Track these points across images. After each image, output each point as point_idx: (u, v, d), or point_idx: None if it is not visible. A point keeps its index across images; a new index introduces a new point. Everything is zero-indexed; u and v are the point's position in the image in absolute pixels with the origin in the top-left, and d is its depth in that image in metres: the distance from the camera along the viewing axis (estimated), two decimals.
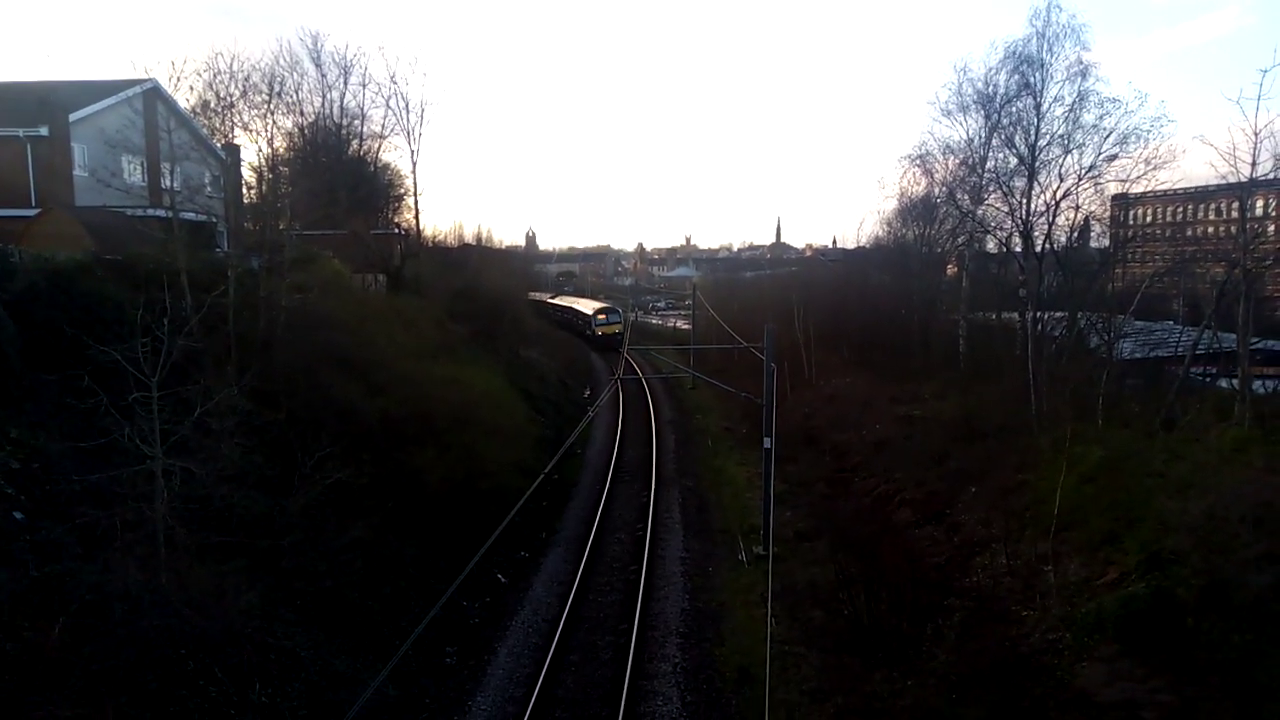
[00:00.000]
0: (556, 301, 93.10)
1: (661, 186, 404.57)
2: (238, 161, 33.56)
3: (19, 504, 14.36)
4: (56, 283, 19.62)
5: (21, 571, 12.71)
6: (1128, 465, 20.61)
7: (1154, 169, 28.71)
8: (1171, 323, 37.54)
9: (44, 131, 31.11)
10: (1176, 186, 36.36)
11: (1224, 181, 24.39)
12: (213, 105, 29.80)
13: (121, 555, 13.59)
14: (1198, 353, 28.48)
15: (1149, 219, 46.44)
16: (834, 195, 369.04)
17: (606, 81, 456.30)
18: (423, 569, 20.91)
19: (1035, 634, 16.97)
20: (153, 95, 33.19)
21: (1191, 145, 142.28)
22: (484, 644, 19.38)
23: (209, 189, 30.60)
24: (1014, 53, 31.61)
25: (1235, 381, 25.45)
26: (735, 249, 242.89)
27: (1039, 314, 30.95)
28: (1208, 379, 30.70)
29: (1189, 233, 49.59)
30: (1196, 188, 42.28)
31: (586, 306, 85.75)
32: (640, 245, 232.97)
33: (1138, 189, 31.33)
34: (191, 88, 35.48)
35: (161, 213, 26.72)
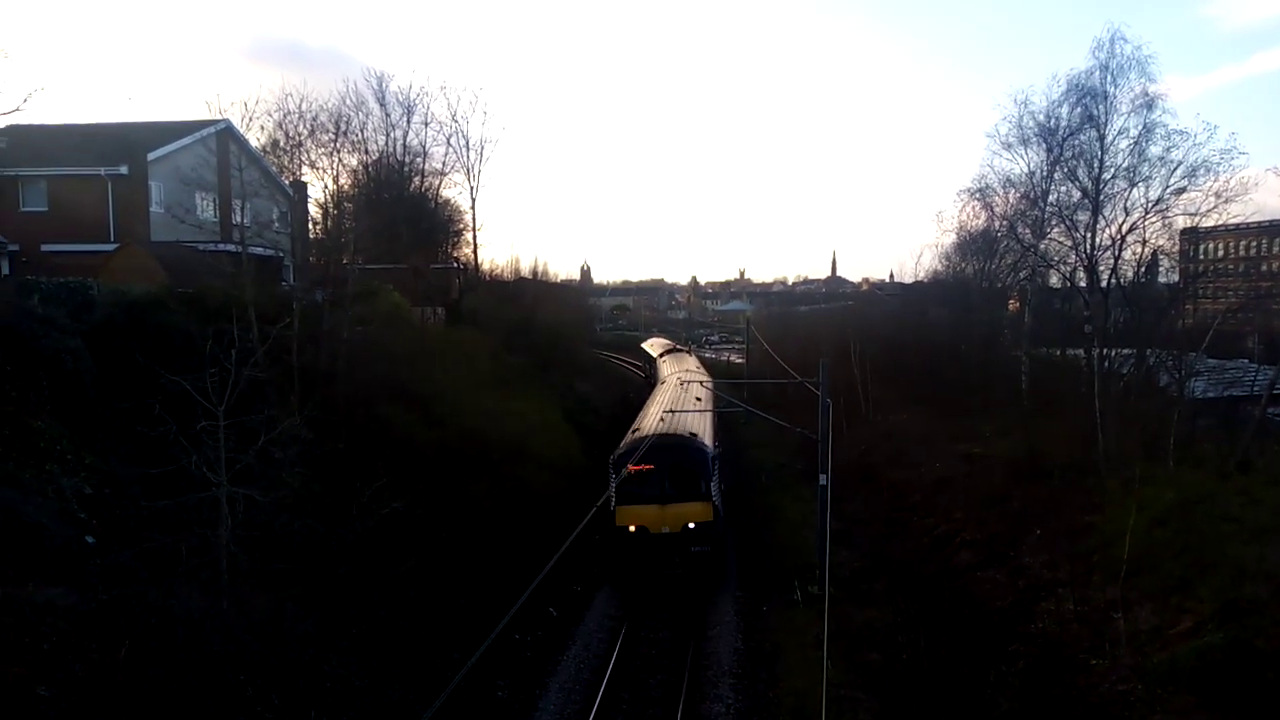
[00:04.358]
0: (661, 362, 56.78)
1: (716, 220, 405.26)
2: (304, 198, 34.67)
3: (90, 528, 14.85)
4: (132, 314, 20.47)
5: (91, 594, 13.06)
6: (1201, 509, 19.83)
7: (1225, 202, 28.05)
8: (1246, 360, 36.25)
9: (124, 170, 32.66)
10: (1250, 220, 35.27)
11: None
12: (282, 144, 31.03)
13: (185, 580, 13.92)
14: (1275, 392, 27.41)
15: (1220, 253, 45.04)
16: (891, 229, 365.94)
17: (662, 116, 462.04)
18: (475, 600, 20.96)
19: (1105, 684, 16.29)
20: (225, 135, 34.55)
21: (1265, 178, 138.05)
22: (535, 678, 19.30)
23: (276, 225, 31.74)
24: (1076, 85, 31.26)
25: None
26: (790, 283, 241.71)
27: (1105, 350, 30.13)
28: None
29: (1264, 267, 48.05)
30: (1271, 221, 41.01)
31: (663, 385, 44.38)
32: (694, 279, 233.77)
33: (1208, 223, 30.52)
34: (262, 127, 37.11)
35: (231, 247, 27.70)
